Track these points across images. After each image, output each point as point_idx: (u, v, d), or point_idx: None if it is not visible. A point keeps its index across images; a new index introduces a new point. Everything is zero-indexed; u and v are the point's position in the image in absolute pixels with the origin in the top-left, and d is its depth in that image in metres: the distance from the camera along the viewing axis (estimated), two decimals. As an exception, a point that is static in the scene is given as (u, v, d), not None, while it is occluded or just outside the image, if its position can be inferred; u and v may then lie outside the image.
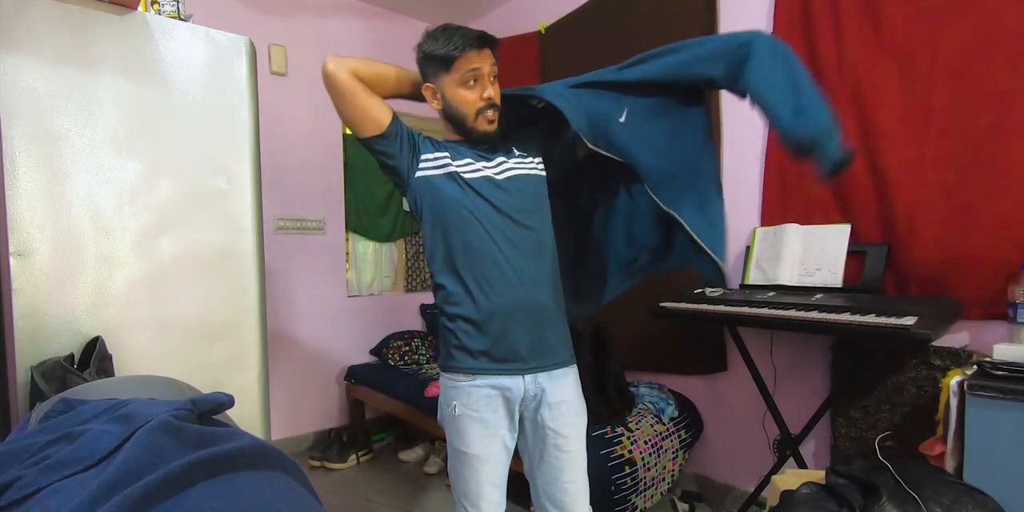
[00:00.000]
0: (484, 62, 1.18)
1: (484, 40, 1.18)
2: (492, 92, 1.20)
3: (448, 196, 1.21)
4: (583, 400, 1.32)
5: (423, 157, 1.24)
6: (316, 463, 2.74)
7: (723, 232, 1.31)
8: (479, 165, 1.24)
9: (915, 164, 1.65)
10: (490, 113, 1.21)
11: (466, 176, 1.22)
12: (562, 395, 1.25)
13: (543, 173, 1.33)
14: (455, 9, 3.27)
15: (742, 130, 2.13)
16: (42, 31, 1.14)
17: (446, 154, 1.24)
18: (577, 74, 1.32)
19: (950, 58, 1.58)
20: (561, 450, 1.25)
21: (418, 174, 1.23)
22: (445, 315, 1.24)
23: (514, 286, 1.19)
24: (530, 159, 1.31)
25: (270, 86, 2.77)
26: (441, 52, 1.16)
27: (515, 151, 1.31)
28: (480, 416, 1.21)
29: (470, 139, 1.26)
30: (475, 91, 1.20)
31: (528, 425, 1.28)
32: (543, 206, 1.30)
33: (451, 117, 1.24)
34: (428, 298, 3.49)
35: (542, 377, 1.24)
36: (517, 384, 1.22)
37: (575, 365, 1.32)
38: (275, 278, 2.83)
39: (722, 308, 1.73)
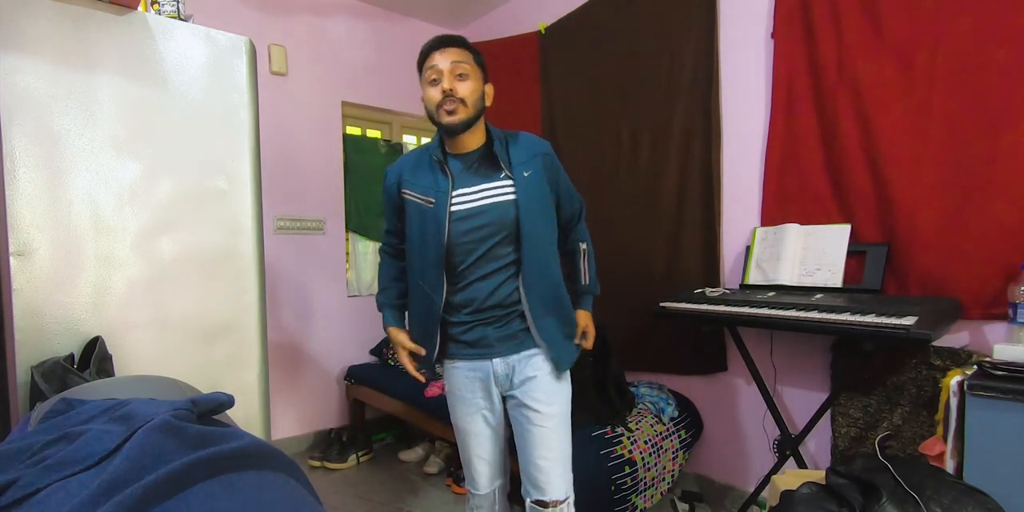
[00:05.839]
0: (444, 60, 1.24)
1: (442, 40, 1.25)
2: (450, 85, 1.23)
3: None
4: (562, 380, 1.37)
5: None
6: (316, 463, 2.74)
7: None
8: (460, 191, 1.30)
9: (915, 164, 1.65)
10: (448, 104, 1.24)
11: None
12: (530, 372, 1.32)
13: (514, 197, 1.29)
14: (455, 9, 3.25)
15: (742, 130, 2.13)
16: (42, 31, 1.14)
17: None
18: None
19: (950, 58, 1.58)
20: (533, 423, 1.32)
21: None
22: None
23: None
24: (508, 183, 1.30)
25: (270, 86, 2.77)
26: (418, 61, 1.28)
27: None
28: (462, 395, 1.39)
29: (444, 133, 1.30)
30: (437, 88, 1.25)
31: (508, 402, 1.39)
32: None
33: (429, 118, 1.31)
34: (428, 298, 3.48)
35: (513, 358, 1.33)
36: (486, 366, 1.34)
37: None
38: (275, 278, 2.83)
39: (722, 308, 1.73)
